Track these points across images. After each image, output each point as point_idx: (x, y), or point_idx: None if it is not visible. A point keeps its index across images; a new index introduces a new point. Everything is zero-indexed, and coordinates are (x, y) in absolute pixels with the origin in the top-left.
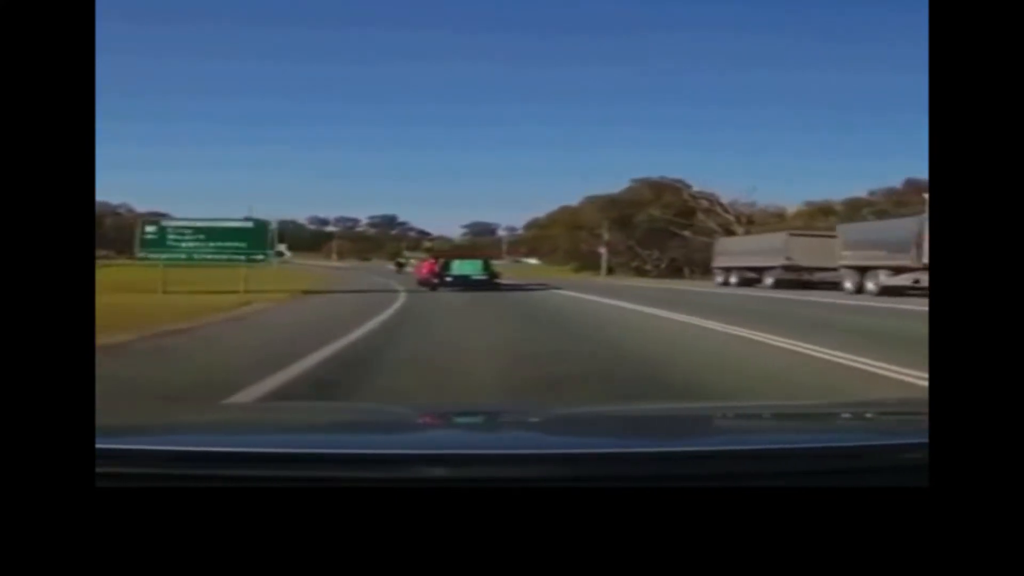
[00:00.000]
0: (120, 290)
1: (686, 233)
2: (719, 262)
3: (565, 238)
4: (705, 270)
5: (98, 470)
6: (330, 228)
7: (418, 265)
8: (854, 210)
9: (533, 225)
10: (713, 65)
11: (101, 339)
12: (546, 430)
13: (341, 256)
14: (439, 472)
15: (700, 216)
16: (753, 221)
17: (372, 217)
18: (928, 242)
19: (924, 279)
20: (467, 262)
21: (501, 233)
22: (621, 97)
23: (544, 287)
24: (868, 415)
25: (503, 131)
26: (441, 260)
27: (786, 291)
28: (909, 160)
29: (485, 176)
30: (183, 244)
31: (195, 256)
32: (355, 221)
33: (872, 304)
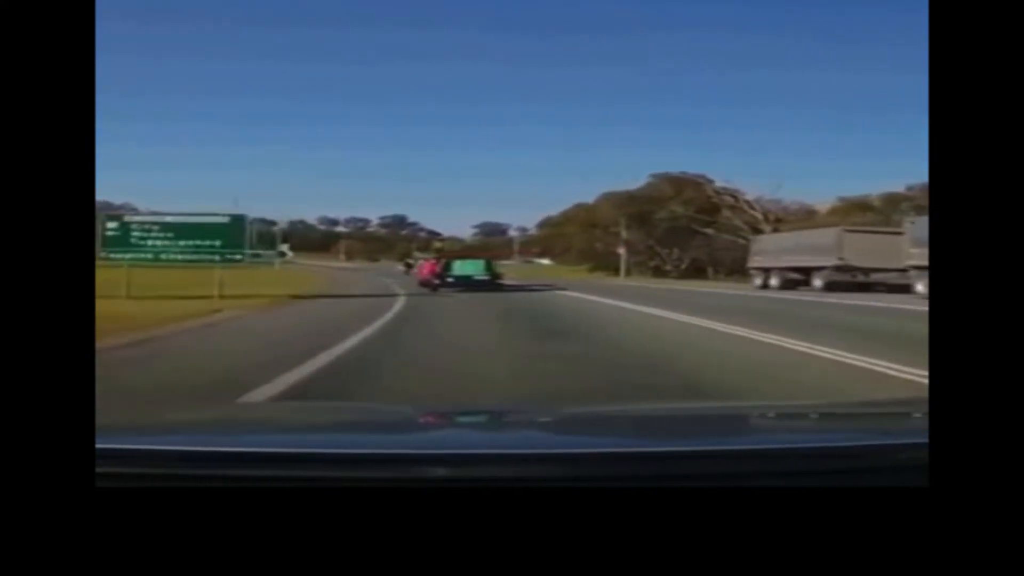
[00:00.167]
0: None
1: (709, 231)
2: (757, 262)
3: (579, 237)
4: (730, 271)
5: (98, 470)
6: (340, 228)
7: (419, 266)
8: (892, 205)
9: (546, 224)
10: (713, 64)
11: None
12: (546, 430)
13: (350, 256)
14: (439, 472)
15: (725, 213)
16: (781, 219)
17: (383, 218)
18: None
19: None
20: (469, 262)
21: (512, 233)
22: (624, 96)
23: (550, 288)
24: (868, 415)
25: (512, 131)
26: (443, 260)
27: (843, 295)
28: None
29: (495, 176)
30: (149, 242)
31: (162, 256)
32: (366, 222)
33: None
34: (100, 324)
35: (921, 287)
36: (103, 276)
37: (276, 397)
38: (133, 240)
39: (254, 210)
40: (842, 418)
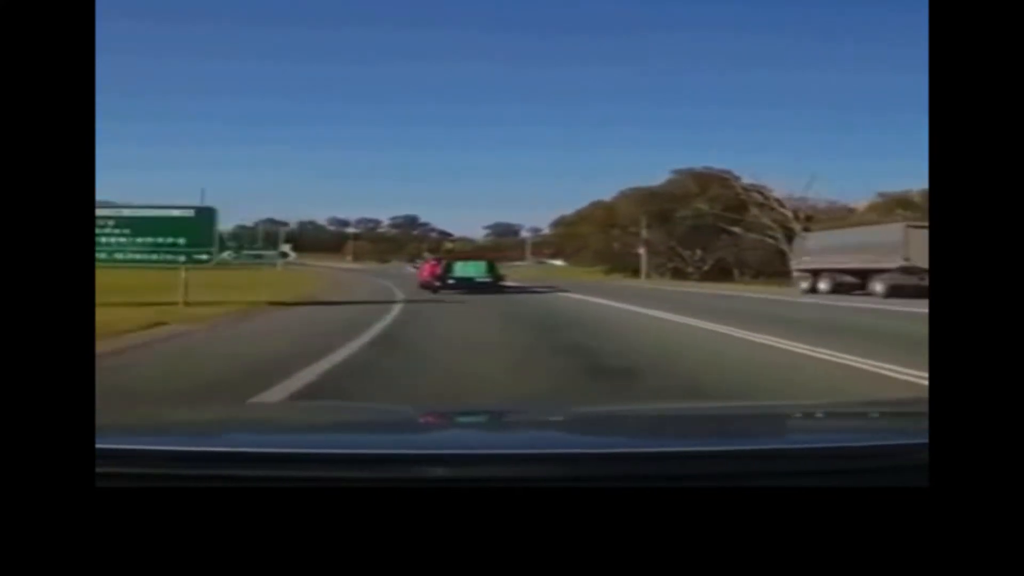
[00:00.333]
0: None
1: (736, 229)
2: (804, 263)
3: (596, 237)
4: (756, 272)
5: (98, 470)
6: (351, 229)
7: (420, 267)
8: None
9: (559, 224)
10: (714, 65)
11: None
12: (546, 430)
13: (358, 257)
14: (439, 472)
15: (753, 211)
16: (811, 217)
17: (394, 218)
18: None
19: None
20: (470, 264)
21: (525, 234)
22: (630, 96)
23: (559, 290)
24: (868, 415)
25: (523, 131)
26: (444, 262)
27: (909, 301)
28: None
29: (507, 176)
30: (102, 239)
31: (117, 256)
32: (376, 222)
33: None
34: None
35: None
36: None
37: None
38: None
39: (261, 211)
40: (842, 418)
